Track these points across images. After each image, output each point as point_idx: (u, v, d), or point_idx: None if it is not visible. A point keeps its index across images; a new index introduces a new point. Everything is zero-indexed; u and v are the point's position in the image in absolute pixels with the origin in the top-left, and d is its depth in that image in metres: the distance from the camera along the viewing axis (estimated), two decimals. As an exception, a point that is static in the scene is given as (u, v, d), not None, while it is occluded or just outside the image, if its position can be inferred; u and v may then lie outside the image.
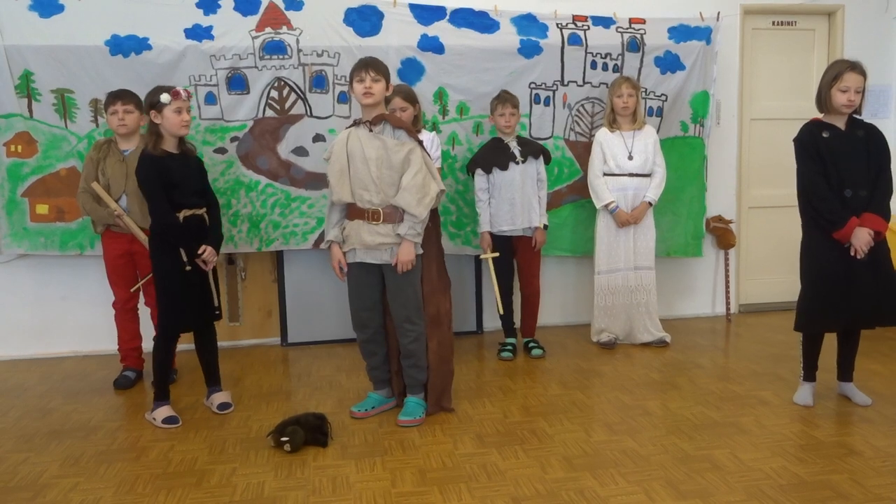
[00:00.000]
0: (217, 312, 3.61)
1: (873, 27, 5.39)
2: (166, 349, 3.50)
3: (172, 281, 3.41)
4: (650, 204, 4.53)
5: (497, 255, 4.36)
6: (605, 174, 4.53)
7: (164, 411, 3.47)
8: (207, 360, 3.68)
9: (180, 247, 3.39)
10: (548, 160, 4.51)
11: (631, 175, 4.49)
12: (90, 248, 4.39)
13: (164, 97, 3.29)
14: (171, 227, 3.37)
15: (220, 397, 3.65)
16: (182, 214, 3.39)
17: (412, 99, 4.06)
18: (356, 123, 3.39)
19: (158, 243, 3.42)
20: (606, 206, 4.51)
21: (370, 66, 3.28)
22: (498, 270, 4.45)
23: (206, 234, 3.49)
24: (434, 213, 3.44)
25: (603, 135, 4.57)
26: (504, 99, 4.36)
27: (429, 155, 3.40)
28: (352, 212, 3.38)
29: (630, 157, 4.49)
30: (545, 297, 4.71)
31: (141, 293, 4.05)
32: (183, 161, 3.44)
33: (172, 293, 3.42)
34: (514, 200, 4.34)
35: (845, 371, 3.57)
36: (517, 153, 4.35)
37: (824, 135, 3.34)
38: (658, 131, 4.72)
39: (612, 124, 4.56)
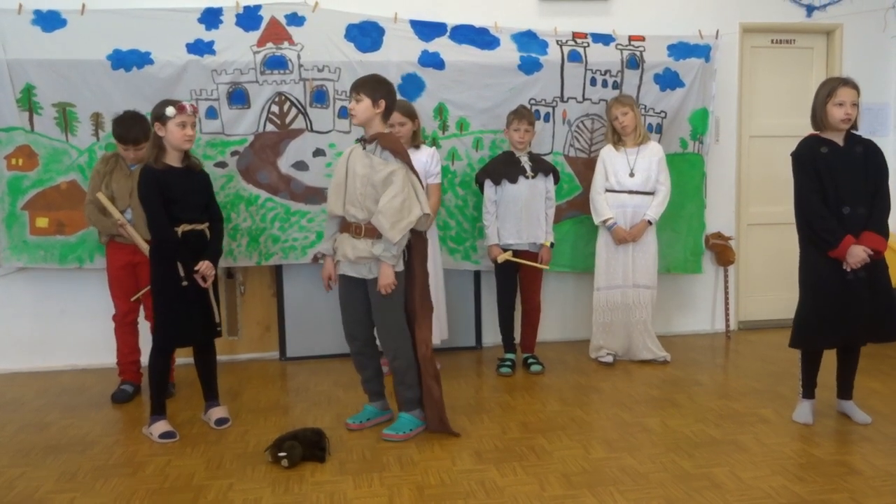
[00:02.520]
0: (218, 329, 3.59)
1: (871, 46, 5.42)
2: (162, 363, 3.49)
3: (169, 295, 3.39)
4: (650, 222, 4.52)
5: (511, 252, 4.37)
6: (607, 191, 4.54)
7: (161, 426, 3.45)
8: (206, 375, 3.67)
9: (177, 261, 3.36)
10: (557, 179, 4.53)
11: (631, 192, 4.50)
12: (89, 262, 4.39)
13: (169, 110, 3.29)
14: (168, 242, 3.36)
15: (217, 412, 3.64)
16: (181, 229, 3.38)
17: (411, 114, 4.08)
18: (359, 140, 3.42)
19: (157, 257, 3.42)
20: (604, 222, 4.51)
21: (353, 87, 3.34)
22: (501, 284, 4.47)
23: (205, 250, 3.47)
24: (420, 236, 3.41)
25: (607, 151, 4.59)
26: (521, 114, 4.38)
27: (417, 176, 3.35)
28: (342, 225, 3.43)
29: (632, 174, 4.49)
30: (545, 312, 4.70)
31: (141, 306, 4.05)
32: (185, 175, 3.43)
33: (168, 307, 3.40)
34: (521, 215, 4.34)
35: (845, 389, 3.56)
36: (528, 168, 4.37)
37: (822, 150, 3.35)
38: (657, 148, 4.74)
39: (617, 143, 4.57)
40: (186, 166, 3.45)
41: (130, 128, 3.82)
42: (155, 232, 3.39)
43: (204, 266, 3.41)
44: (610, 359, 4.58)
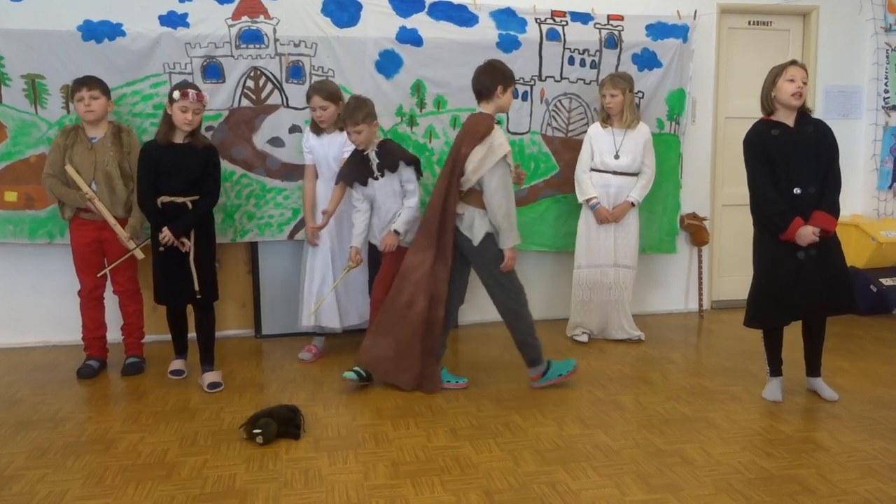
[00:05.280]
0: (198, 297, 3.74)
1: (847, 28, 5.47)
2: (169, 317, 3.95)
3: (155, 259, 3.76)
4: (633, 204, 4.52)
5: (354, 266, 4.01)
6: (592, 170, 4.54)
7: (174, 364, 3.97)
8: (201, 339, 3.86)
9: (157, 229, 3.65)
10: (419, 168, 4.04)
11: (615, 173, 4.50)
12: (60, 237, 4.32)
13: (175, 94, 3.59)
14: (146, 211, 3.71)
15: (210, 377, 3.80)
16: (161, 200, 3.63)
17: (334, 97, 4.00)
18: None
19: (151, 224, 3.77)
20: (588, 201, 4.52)
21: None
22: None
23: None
24: None
25: (594, 130, 4.59)
26: (346, 113, 3.87)
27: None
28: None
29: (616, 157, 4.49)
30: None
31: (109, 281, 4.02)
32: (182, 151, 3.67)
33: (154, 270, 3.80)
34: (380, 215, 4.02)
35: (812, 366, 3.63)
36: (374, 167, 3.93)
37: (773, 132, 3.38)
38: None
39: (605, 121, 4.56)
40: (188, 143, 3.69)
41: (87, 77, 3.88)
42: (138, 200, 3.74)
43: (161, 233, 3.62)
44: (585, 337, 4.62)
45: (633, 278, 4.64)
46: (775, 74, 3.40)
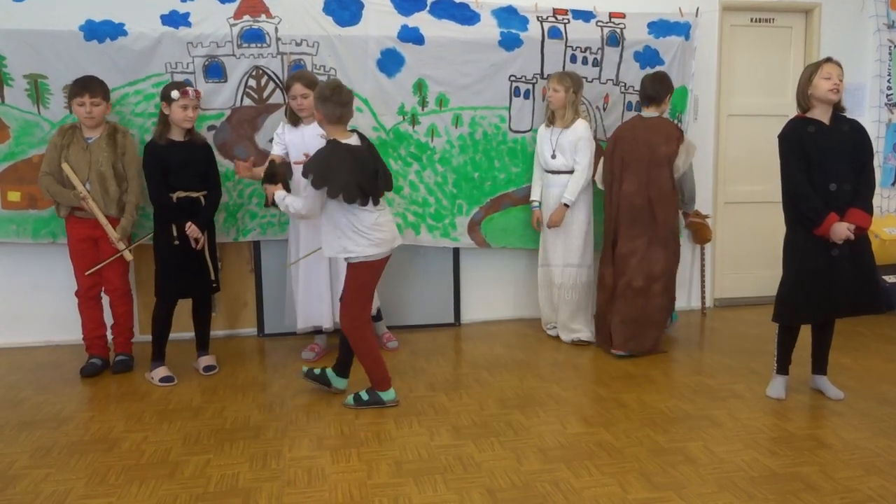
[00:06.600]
0: (214, 286, 4.03)
1: (849, 26, 5.45)
2: (162, 312, 3.91)
3: (165, 253, 3.86)
4: (566, 205, 4.41)
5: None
6: (545, 170, 4.56)
7: (161, 371, 3.87)
8: (199, 328, 4.11)
9: (172, 223, 3.81)
10: (328, 187, 3.29)
11: (554, 172, 4.48)
12: (63, 236, 4.29)
13: (174, 94, 3.75)
14: (163, 207, 3.84)
15: (205, 360, 4.06)
16: (176, 196, 3.82)
17: (314, 85, 3.90)
18: None
19: (157, 220, 3.89)
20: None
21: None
22: None
23: (198, 215, 3.88)
24: None
25: (540, 130, 4.62)
26: None
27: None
28: None
29: (553, 156, 4.47)
30: (525, 289, 4.70)
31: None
32: (186, 148, 3.86)
33: (164, 263, 3.89)
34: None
35: (819, 364, 3.62)
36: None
37: (810, 129, 3.38)
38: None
39: (550, 120, 4.55)
40: (189, 140, 3.89)
41: (89, 82, 3.88)
42: (153, 199, 3.86)
43: (189, 228, 3.81)
44: (555, 332, 4.66)
45: (584, 277, 4.53)
46: (811, 72, 3.39)
